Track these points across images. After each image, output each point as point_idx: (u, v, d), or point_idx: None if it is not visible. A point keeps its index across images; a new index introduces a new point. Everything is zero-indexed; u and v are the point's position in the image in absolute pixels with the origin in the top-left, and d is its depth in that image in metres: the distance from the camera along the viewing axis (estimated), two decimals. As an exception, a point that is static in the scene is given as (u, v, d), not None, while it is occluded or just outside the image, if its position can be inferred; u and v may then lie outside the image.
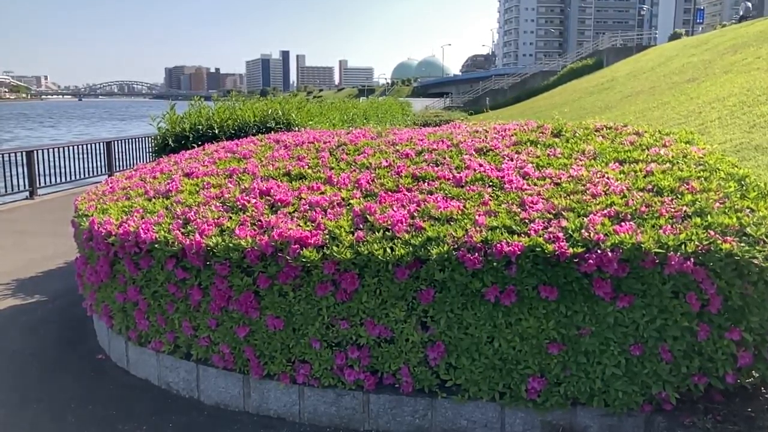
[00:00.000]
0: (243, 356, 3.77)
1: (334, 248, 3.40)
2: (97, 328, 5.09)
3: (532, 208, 3.49)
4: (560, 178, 3.85)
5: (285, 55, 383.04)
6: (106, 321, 4.52)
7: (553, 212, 3.43)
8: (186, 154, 5.61)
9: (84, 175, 13.92)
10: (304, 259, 3.42)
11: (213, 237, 3.70)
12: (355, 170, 4.38)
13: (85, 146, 13.88)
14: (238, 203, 4.04)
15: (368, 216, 3.61)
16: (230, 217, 3.91)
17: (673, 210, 3.30)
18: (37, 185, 12.62)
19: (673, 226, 3.14)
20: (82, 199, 5.16)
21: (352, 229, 3.55)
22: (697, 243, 3.00)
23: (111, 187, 5.21)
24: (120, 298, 4.23)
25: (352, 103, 14.01)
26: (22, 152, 12.48)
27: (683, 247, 3.00)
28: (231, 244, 3.61)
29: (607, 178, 3.78)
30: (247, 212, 3.93)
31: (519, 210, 3.49)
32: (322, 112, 9.66)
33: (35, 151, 12.64)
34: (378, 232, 3.46)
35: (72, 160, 13.52)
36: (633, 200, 3.43)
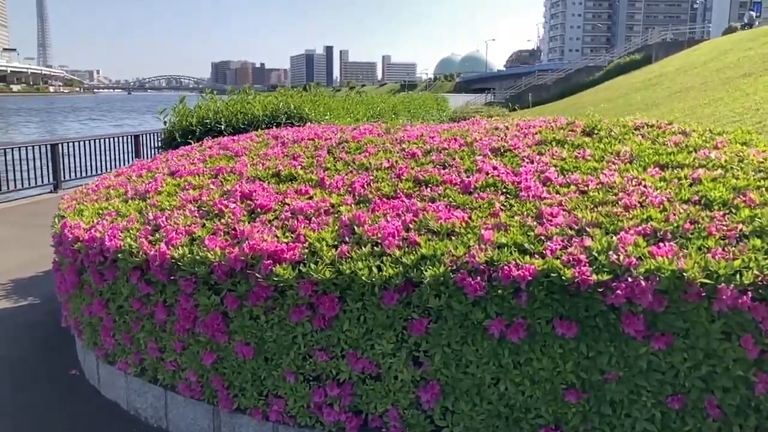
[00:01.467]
0: (211, 386, 3.28)
1: (312, 266, 2.87)
2: (77, 340, 4.68)
3: (551, 221, 2.89)
4: (587, 186, 3.23)
5: (329, 50, 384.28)
6: (77, 334, 4.09)
7: (576, 227, 2.83)
8: (180, 151, 5.16)
9: (111, 168, 13.74)
10: (276, 278, 2.90)
11: (180, 247, 3.22)
12: (351, 171, 3.84)
13: (111, 139, 13.69)
14: (215, 208, 3.54)
15: (356, 227, 3.06)
16: (204, 224, 3.42)
17: (725, 228, 2.66)
18: (62, 179, 12.46)
19: (726, 250, 2.50)
20: (68, 198, 4.75)
21: (336, 243, 3.02)
22: (756, 272, 2.37)
23: (97, 185, 4.79)
24: (86, 311, 3.79)
25: (381, 97, 13.46)
26: (46, 145, 12.33)
27: (738, 276, 2.37)
28: (198, 257, 3.12)
29: (644, 186, 3.15)
30: (224, 219, 3.44)
31: (534, 224, 2.89)
32: (346, 107, 9.14)
33: (59, 144, 12.48)
34: (365, 247, 2.92)
35: (99, 153, 13.34)
36: (675, 215, 2.80)
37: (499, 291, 2.60)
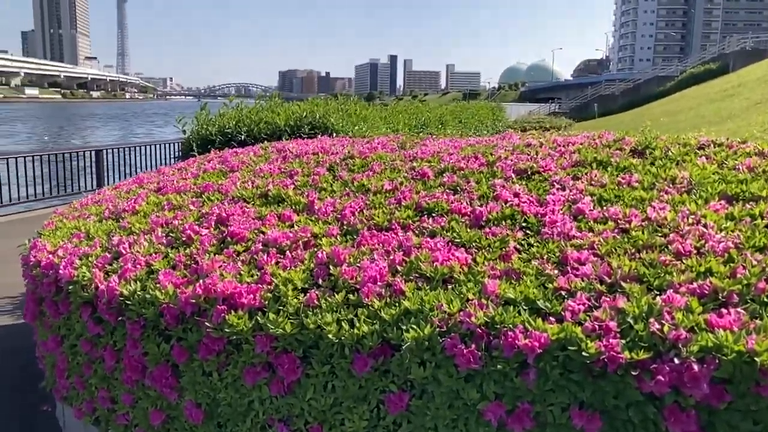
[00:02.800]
0: (160, 450, 2.75)
1: (271, 315, 2.30)
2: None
3: (576, 270, 2.23)
4: (629, 222, 2.54)
5: (393, 59, 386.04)
6: (43, 368, 3.66)
7: (608, 281, 2.15)
8: (180, 164, 4.70)
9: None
10: (228, 329, 2.35)
11: (132, 282, 2.71)
12: (348, 194, 3.26)
13: (155, 146, 13.59)
14: (184, 234, 3.03)
15: (333, 266, 2.48)
16: (167, 254, 2.91)
17: (816, 292, 1.94)
18: (105, 185, 12.39)
19: (817, 324, 1.79)
20: (58, 213, 4.35)
21: (307, 285, 2.45)
22: None
23: (89, 200, 4.39)
24: (44, 346, 3.34)
25: (427, 105, 12.84)
26: (91, 151, 12.29)
27: (836, 366, 1.66)
28: (148, 295, 2.60)
29: (705, 226, 2.43)
30: (191, 247, 2.92)
31: (555, 272, 2.24)
32: (384, 117, 8.57)
33: (104, 150, 12.43)
34: (339, 294, 2.33)
35: (144, 159, 13.25)
36: (745, 269, 2.08)
37: (500, 365, 1.96)
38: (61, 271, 3.00)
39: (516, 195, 2.90)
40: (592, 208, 2.71)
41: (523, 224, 2.66)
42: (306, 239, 2.78)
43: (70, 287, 2.92)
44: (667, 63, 67.55)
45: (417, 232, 2.72)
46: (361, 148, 4.00)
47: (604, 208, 2.69)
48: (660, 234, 2.42)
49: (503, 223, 2.68)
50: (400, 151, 3.91)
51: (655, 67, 63.72)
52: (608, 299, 2.02)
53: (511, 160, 3.34)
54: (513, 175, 3.16)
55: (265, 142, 5.20)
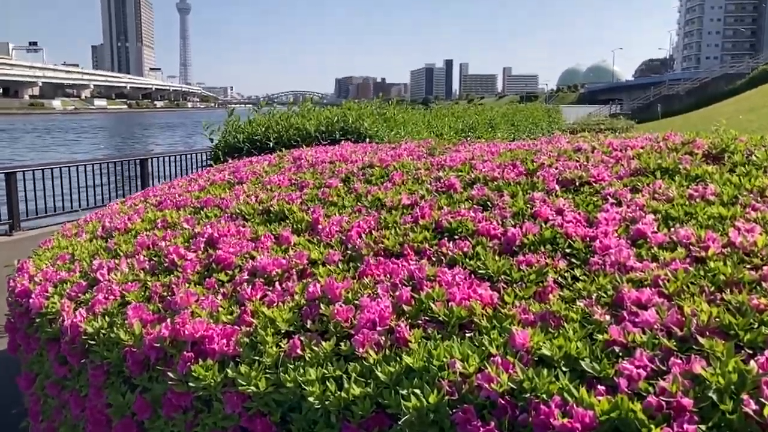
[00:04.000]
0: None
1: (243, 368, 1.84)
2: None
3: (635, 317, 1.67)
4: (706, 249, 1.96)
5: (448, 64, 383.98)
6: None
7: (679, 333, 1.59)
8: (192, 175, 4.32)
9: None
10: (193, 382, 1.90)
11: (99, 317, 2.31)
12: (359, 210, 2.78)
13: (196, 155, 13.44)
14: (167, 259, 2.61)
15: (325, 304, 2.00)
16: (145, 283, 2.50)
17: None
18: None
19: None
20: (64, 229, 4.04)
21: (294, 327, 1.98)
22: None
23: (93, 215, 4.05)
24: (19, 383, 2.98)
25: (475, 108, 12.25)
26: (136, 160, 12.23)
27: None
28: (113, 334, 2.19)
29: (812, 255, 1.84)
30: (173, 275, 2.50)
31: (606, 318, 1.69)
32: (427, 120, 8.06)
33: (149, 159, 12.35)
34: (329, 342, 1.85)
35: (189, 167, 13.12)
36: None
37: (528, 451, 1.44)
38: (31, 300, 2.63)
39: (559, 212, 2.35)
40: (656, 229, 2.14)
41: (567, 250, 2.11)
42: (301, 267, 2.31)
43: (38, 320, 2.54)
44: (736, 60, 64.44)
45: (434, 258, 2.21)
46: (383, 156, 3.50)
47: (672, 229, 2.11)
48: (749, 266, 1.83)
49: (541, 248, 2.14)
50: (428, 159, 3.41)
51: (723, 64, 60.86)
52: (680, 361, 1.47)
53: (556, 168, 2.78)
54: (557, 187, 2.60)
55: (293, 149, 4.77)
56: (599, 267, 1.96)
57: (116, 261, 2.74)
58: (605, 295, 1.81)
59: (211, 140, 6.20)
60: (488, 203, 2.56)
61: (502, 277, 2.01)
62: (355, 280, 2.13)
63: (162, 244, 2.76)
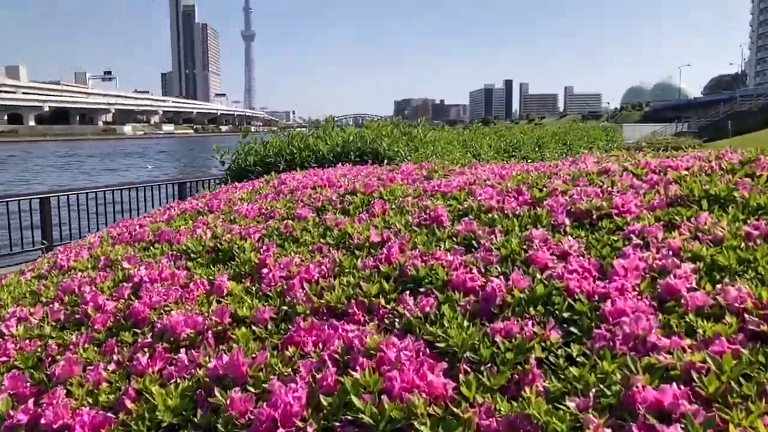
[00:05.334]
0: None
1: (94, 480, 1.31)
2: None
3: (649, 437, 1.06)
4: (769, 321, 1.31)
5: (508, 84, 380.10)
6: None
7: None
8: (171, 203, 3.88)
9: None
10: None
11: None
12: (320, 248, 2.23)
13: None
14: (81, 310, 2.13)
15: (217, 392, 1.45)
16: (44, 346, 2.02)
17: None
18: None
19: None
20: (33, 265, 3.65)
21: (177, 419, 1.44)
22: None
23: (68, 248, 3.66)
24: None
25: (521, 127, 11.55)
26: (174, 184, 12.07)
27: None
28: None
29: None
30: (80, 330, 2.02)
31: (606, 434, 1.09)
32: (462, 140, 7.47)
33: (188, 183, 12.18)
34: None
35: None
36: None
37: None
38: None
39: (563, 255, 1.74)
40: (694, 285, 1.51)
41: (565, 314, 1.50)
42: (221, 327, 1.78)
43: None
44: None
45: (387, 321, 1.64)
46: (370, 181, 2.95)
47: (719, 286, 1.48)
48: (837, 352, 1.19)
49: (531, 310, 1.53)
50: (422, 183, 2.84)
51: (801, 78, 57.64)
52: None
53: (569, 197, 2.16)
54: (566, 221, 1.99)
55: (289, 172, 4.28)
56: (606, 343, 1.34)
57: (31, 309, 2.28)
58: (609, 393, 1.20)
59: (222, 163, 5.81)
60: (472, 242, 1.97)
61: (468, 354, 1.42)
62: (275, 352, 1.58)
63: (86, 289, 2.29)
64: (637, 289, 1.54)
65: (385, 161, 5.05)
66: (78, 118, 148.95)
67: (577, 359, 1.34)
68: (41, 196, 9.67)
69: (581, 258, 1.70)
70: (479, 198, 2.33)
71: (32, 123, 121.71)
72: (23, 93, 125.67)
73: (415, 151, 5.60)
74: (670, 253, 1.65)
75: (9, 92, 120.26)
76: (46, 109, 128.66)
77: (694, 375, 1.20)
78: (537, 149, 9.49)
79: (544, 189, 2.29)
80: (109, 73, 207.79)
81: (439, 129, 7.77)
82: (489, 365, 1.36)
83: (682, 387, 1.16)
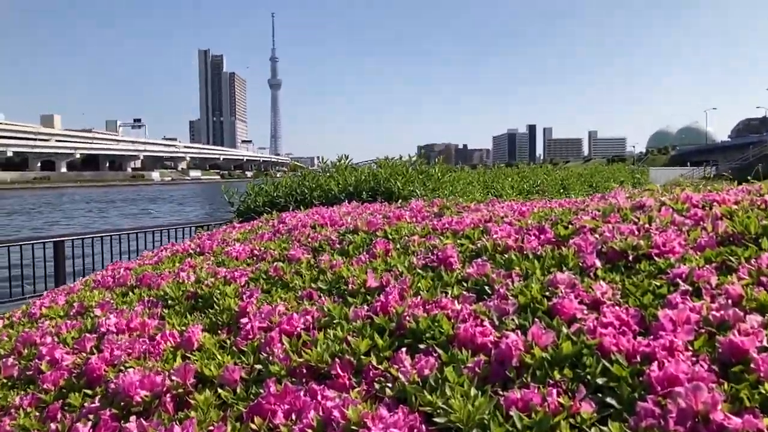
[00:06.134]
0: None
1: None
2: None
3: None
4: None
5: (531, 128, 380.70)
6: None
7: None
8: (162, 247, 3.63)
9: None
10: None
11: None
12: (310, 294, 1.94)
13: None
14: (33, 366, 1.86)
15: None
16: (-7, 401, 1.74)
17: None
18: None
19: None
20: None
21: None
22: None
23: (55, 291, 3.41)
24: None
25: (545, 168, 11.26)
26: (190, 227, 11.93)
27: None
28: None
29: None
30: (28, 389, 1.74)
31: None
32: (484, 180, 7.19)
33: (204, 226, 12.03)
34: None
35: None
36: None
37: None
38: None
39: (595, 304, 1.43)
40: (765, 342, 1.18)
41: (599, 380, 1.18)
42: (182, 390, 1.49)
43: None
44: None
45: (377, 386, 1.33)
46: (374, 219, 2.67)
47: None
48: None
49: (554, 374, 1.22)
50: (432, 221, 2.55)
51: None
52: None
53: (600, 234, 1.85)
54: (597, 262, 1.68)
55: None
56: (655, 422, 1.02)
57: (-11, 363, 2.01)
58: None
59: (231, 204, 5.59)
60: (485, 288, 1.66)
61: (475, 432, 1.10)
62: (238, 424, 1.28)
63: (47, 340, 2.02)
64: (691, 348, 1.22)
65: (399, 201, 4.78)
66: (108, 165, 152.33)
67: (618, 442, 1.02)
68: (55, 239, 9.57)
69: (617, 308, 1.38)
70: (494, 236, 2.02)
71: (64, 169, 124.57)
72: (56, 141, 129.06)
73: (432, 191, 5.32)
74: (730, 302, 1.33)
75: (44, 140, 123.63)
76: (78, 156, 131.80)
77: (782, 471, 0.87)
78: (562, 190, 9.16)
79: (570, 226, 1.98)
80: (139, 120, 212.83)
81: (459, 170, 7.49)
82: (501, 450, 1.05)
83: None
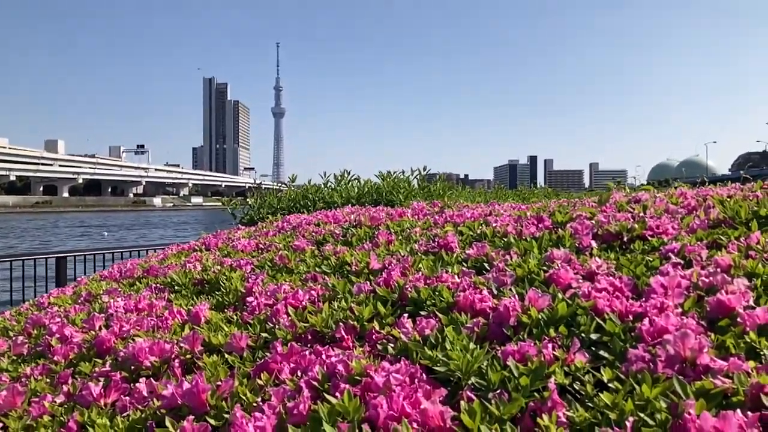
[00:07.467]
0: None
1: None
2: None
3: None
4: None
5: (532, 160, 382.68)
6: None
7: None
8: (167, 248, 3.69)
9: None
10: None
11: None
12: (314, 276, 2.00)
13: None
14: (43, 342, 1.91)
15: (167, 422, 1.20)
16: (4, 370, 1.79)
17: None
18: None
19: None
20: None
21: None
22: None
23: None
24: None
25: (545, 190, 11.37)
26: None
27: None
28: None
29: None
30: (39, 361, 1.79)
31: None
32: (486, 198, 7.27)
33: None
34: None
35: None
36: None
37: None
38: None
39: (590, 276, 1.48)
40: (751, 302, 1.24)
41: (593, 336, 1.24)
42: (190, 356, 1.54)
43: None
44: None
45: (380, 347, 1.39)
46: (377, 214, 2.74)
47: (785, 302, 1.21)
48: None
49: (551, 332, 1.27)
50: (434, 216, 2.61)
51: (830, 154, 56.94)
52: None
53: (596, 221, 1.92)
54: (593, 243, 1.74)
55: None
56: (645, 366, 1.07)
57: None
58: (652, 422, 0.93)
59: (234, 216, 5.66)
60: (485, 265, 1.72)
61: (473, 380, 1.15)
62: (245, 380, 1.33)
63: (56, 320, 2.07)
64: (680, 308, 1.27)
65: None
66: (110, 190, 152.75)
67: (609, 385, 1.07)
68: (58, 255, 9.62)
69: (611, 277, 1.44)
70: (494, 225, 2.09)
71: (66, 194, 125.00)
72: (59, 165, 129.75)
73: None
74: (719, 270, 1.38)
75: (47, 164, 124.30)
76: (80, 180, 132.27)
77: (765, 400, 0.92)
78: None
79: (566, 215, 2.05)
80: (142, 146, 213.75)
81: (459, 191, 7.58)
82: (498, 391, 1.10)
83: (749, 414, 0.89)
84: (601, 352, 1.19)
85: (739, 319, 1.17)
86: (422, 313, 1.48)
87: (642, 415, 0.95)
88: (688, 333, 1.09)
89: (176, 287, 2.22)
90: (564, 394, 1.09)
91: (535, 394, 1.08)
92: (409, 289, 1.57)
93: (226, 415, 1.21)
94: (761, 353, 1.07)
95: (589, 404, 1.03)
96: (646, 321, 1.20)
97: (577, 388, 1.10)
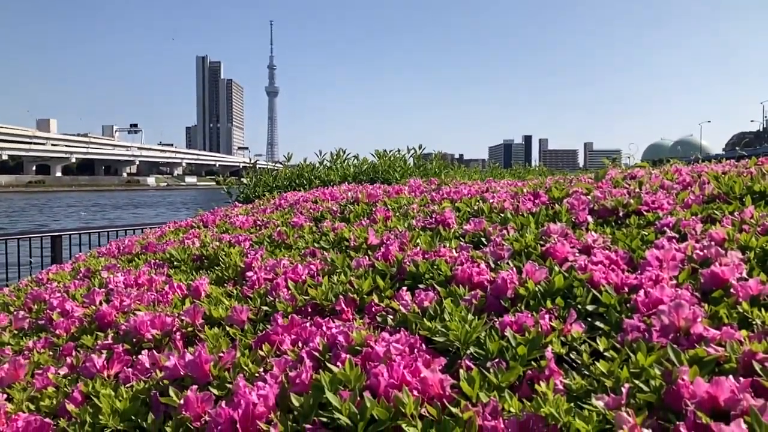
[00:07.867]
0: None
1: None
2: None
3: (703, 437, 0.80)
4: None
5: (527, 139, 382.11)
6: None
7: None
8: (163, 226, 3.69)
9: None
10: None
11: None
12: (313, 252, 2.02)
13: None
14: (45, 316, 1.93)
15: (171, 392, 1.22)
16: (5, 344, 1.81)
17: None
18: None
19: None
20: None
21: (123, 425, 1.21)
22: None
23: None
24: None
25: (540, 169, 11.40)
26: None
27: None
28: None
29: None
30: (41, 335, 1.81)
31: (645, 436, 0.83)
32: (482, 177, 7.25)
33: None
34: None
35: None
36: None
37: None
38: None
39: (586, 250, 1.51)
40: (744, 274, 1.26)
41: (589, 307, 1.26)
42: (191, 329, 1.56)
43: None
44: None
45: (379, 319, 1.41)
46: (374, 191, 2.76)
47: (776, 273, 1.23)
48: None
49: (547, 304, 1.29)
50: (431, 193, 2.63)
51: (824, 134, 57.11)
52: None
53: (592, 196, 1.94)
54: (589, 218, 1.76)
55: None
56: (640, 335, 1.10)
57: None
58: (647, 388, 0.96)
59: (230, 194, 5.67)
60: (482, 239, 1.74)
61: (472, 350, 1.17)
62: (247, 351, 1.35)
63: (56, 295, 2.09)
64: (674, 280, 1.30)
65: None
66: (103, 169, 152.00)
67: (605, 354, 1.09)
68: (53, 234, 9.61)
69: (607, 250, 1.46)
70: (491, 201, 2.11)
71: (59, 173, 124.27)
72: (52, 145, 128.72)
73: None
74: (713, 243, 1.41)
75: (39, 144, 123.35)
76: (73, 160, 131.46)
77: (757, 367, 0.95)
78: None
79: (562, 190, 2.07)
80: (136, 125, 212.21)
81: (455, 170, 7.57)
82: (497, 360, 1.12)
83: (741, 380, 0.92)
84: (597, 323, 1.21)
85: (732, 290, 1.20)
86: (420, 286, 1.51)
87: (637, 382, 0.98)
88: (682, 303, 1.12)
89: (175, 263, 2.23)
90: (561, 363, 1.12)
91: (533, 363, 1.11)
92: (408, 263, 1.59)
93: (228, 385, 1.23)
94: (753, 323, 1.10)
95: (586, 372, 1.06)
96: (641, 292, 1.22)
97: (573, 357, 1.13)
